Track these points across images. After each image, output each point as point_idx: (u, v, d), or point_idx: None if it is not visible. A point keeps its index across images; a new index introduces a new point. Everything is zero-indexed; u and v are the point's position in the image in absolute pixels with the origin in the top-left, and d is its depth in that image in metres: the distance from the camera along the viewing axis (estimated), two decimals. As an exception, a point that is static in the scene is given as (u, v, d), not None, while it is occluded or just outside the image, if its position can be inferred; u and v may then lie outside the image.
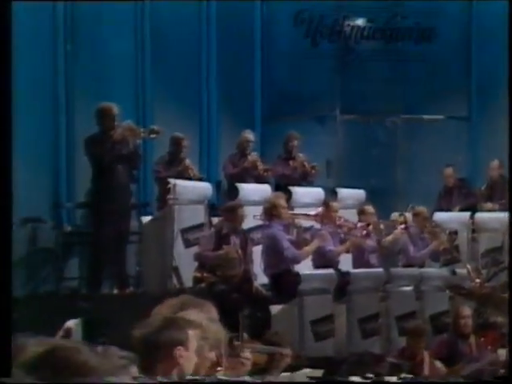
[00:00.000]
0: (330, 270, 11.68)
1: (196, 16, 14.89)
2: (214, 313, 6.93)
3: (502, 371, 10.56)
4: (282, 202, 11.76)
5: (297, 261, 11.66)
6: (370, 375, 8.33)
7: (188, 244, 11.88)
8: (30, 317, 10.15)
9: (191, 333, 5.33)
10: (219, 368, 5.92)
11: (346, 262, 12.41)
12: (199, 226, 11.98)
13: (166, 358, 5.22)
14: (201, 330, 5.46)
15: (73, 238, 13.02)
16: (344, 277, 11.64)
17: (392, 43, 15.50)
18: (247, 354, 7.60)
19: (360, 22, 15.62)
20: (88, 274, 12.14)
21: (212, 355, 5.56)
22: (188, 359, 5.24)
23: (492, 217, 13.78)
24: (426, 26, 15.41)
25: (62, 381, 3.81)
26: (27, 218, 12.60)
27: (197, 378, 4.25)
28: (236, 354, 7.25)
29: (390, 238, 12.65)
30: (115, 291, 11.77)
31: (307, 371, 8.47)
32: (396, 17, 15.52)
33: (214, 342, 5.53)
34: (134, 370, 5.09)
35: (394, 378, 5.43)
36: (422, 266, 12.82)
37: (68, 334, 6.72)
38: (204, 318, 5.75)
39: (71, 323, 6.70)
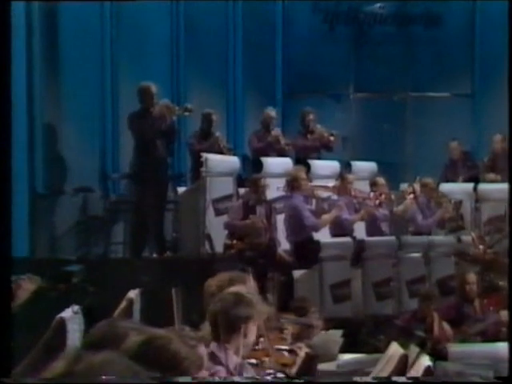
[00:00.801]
0: (347, 238, 11.72)
1: (224, 4, 14.81)
2: (254, 287, 7.02)
3: (504, 330, 10.64)
4: (303, 174, 11.80)
5: (316, 229, 11.70)
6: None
7: (218, 213, 11.95)
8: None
9: (256, 310, 5.46)
10: (262, 339, 6.00)
11: (360, 230, 12.35)
12: (228, 197, 12.09)
13: (236, 331, 5.36)
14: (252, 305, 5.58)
15: (118, 205, 13.07)
16: (359, 244, 11.69)
17: (403, 28, 15.45)
18: (286, 325, 7.33)
19: (373, 8, 15.53)
20: (131, 240, 12.23)
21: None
22: (253, 332, 5.42)
23: (494, 187, 13.73)
24: (434, 13, 15.38)
25: (156, 370, 3.86)
26: (78, 187, 12.84)
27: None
28: (277, 327, 7.07)
29: (400, 207, 12.61)
30: (154, 255, 11.79)
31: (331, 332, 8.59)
32: (406, 4, 15.47)
33: (258, 317, 5.63)
34: (202, 349, 5.18)
35: (402, 378, 4.79)
36: (429, 233, 12.69)
37: (130, 303, 6.72)
38: (252, 295, 5.86)
39: (132, 294, 6.70)
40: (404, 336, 10.07)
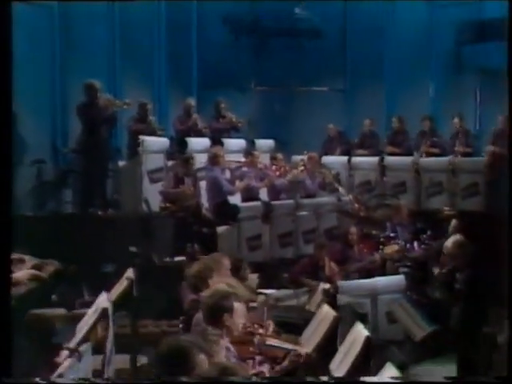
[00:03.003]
0: (258, 202, 11.74)
1: (151, 15, 14.68)
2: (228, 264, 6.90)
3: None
4: (221, 152, 11.83)
5: (232, 194, 11.74)
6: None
7: (152, 181, 11.91)
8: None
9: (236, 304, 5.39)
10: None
11: (264, 195, 12.38)
12: (160, 169, 12.05)
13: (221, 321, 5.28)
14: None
15: (67, 174, 12.87)
16: (267, 206, 11.69)
17: (293, 38, 15.57)
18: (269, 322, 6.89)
19: (269, 23, 15.51)
20: (79, 200, 12.01)
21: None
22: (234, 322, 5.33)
23: (363, 160, 13.92)
24: (316, 27, 15.45)
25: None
26: (34, 160, 12.60)
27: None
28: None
29: (293, 174, 12.62)
30: (99, 212, 11.60)
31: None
32: (296, 20, 15.48)
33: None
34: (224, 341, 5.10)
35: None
36: (315, 195, 12.72)
37: (131, 283, 6.45)
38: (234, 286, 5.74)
39: (130, 273, 6.47)
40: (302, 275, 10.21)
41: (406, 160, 13.34)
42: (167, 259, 10.93)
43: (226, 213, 11.42)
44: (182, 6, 15.00)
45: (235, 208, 11.46)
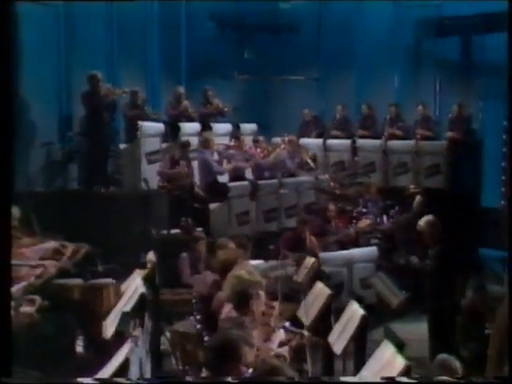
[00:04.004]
0: (246, 182, 11.71)
1: (145, 14, 14.55)
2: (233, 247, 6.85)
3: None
4: (211, 136, 11.84)
5: (221, 174, 11.81)
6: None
7: (150, 162, 11.79)
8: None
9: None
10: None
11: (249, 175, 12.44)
12: (156, 151, 11.92)
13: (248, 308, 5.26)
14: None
15: (72, 154, 12.66)
16: (254, 185, 11.67)
17: (273, 33, 15.47)
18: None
19: (252, 19, 15.40)
20: (84, 178, 11.92)
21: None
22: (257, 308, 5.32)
23: (336, 142, 13.91)
24: (294, 23, 15.35)
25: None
26: (44, 142, 12.49)
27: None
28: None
29: (274, 154, 12.60)
30: (102, 190, 11.53)
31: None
32: (276, 16, 15.38)
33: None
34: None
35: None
36: (295, 174, 12.71)
37: (154, 266, 6.39)
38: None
39: (151, 255, 6.40)
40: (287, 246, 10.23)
41: (375, 142, 13.41)
42: (164, 232, 10.89)
43: (216, 191, 11.45)
44: (172, 5, 14.87)
45: (225, 186, 11.46)
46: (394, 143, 13.30)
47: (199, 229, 10.62)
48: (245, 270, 5.84)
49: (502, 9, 13.52)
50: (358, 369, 4.99)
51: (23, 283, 6.06)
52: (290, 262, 9.40)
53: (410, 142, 13.13)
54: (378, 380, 4.18)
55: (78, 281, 8.41)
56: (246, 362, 4.28)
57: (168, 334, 7.01)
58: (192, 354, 6.61)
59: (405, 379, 4.03)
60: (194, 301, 6.83)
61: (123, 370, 3.81)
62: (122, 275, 8.22)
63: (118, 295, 7.50)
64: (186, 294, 8.37)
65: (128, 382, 3.82)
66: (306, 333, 5.89)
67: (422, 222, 8.07)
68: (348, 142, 13.68)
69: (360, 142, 13.60)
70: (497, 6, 13.47)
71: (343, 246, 10.61)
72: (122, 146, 12.35)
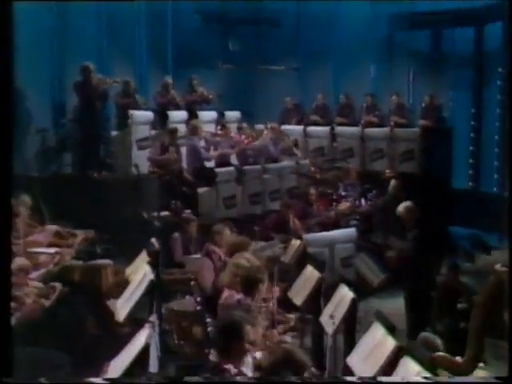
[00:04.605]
0: (232, 168, 11.62)
1: (133, 8, 14.38)
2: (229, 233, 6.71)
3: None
4: (199, 124, 11.75)
5: (208, 160, 11.73)
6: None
7: (140, 148, 11.69)
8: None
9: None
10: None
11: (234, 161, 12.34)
12: (146, 138, 11.81)
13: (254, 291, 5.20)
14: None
15: (65, 140, 12.44)
16: (240, 171, 11.63)
17: (255, 26, 15.41)
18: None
19: (234, 13, 15.28)
20: (77, 162, 11.81)
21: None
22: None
23: (316, 129, 13.86)
24: (275, 17, 15.29)
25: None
26: (39, 128, 12.36)
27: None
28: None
29: (262, 138, 12.51)
30: (95, 174, 11.42)
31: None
32: (258, 10, 15.28)
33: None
34: None
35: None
36: (277, 160, 12.59)
37: (154, 247, 6.28)
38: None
39: (154, 242, 6.29)
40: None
41: (353, 129, 13.42)
42: (154, 214, 10.79)
43: (203, 176, 11.36)
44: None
45: (212, 171, 11.38)
46: (371, 130, 13.31)
47: (188, 211, 10.56)
48: (243, 257, 5.77)
49: (470, 5, 13.67)
50: (349, 348, 4.97)
51: (42, 270, 5.97)
52: (277, 243, 9.35)
53: (386, 129, 13.15)
54: (379, 378, 4.17)
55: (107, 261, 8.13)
56: (250, 340, 4.30)
57: (163, 311, 6.95)
58: (188, 330, 6.56)
59: (406, 379, 3.98)
60: (192, 283, 6.74)
61: (144, 355, 3.75)
62: (118, 256, 8.14)
63: (118, 275, 7.43)
64: (178, 274, 8.28)
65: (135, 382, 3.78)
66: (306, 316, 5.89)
67: (401, 207, 8.09)
68: (327, 128, 13.65)
69: (338, 129, 13.58)
70: (465, 3, 13.59)
71: (324, 227, 10.58)
72: (114, 133, 12.23)
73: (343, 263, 10.03)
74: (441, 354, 4.82)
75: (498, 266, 4.52)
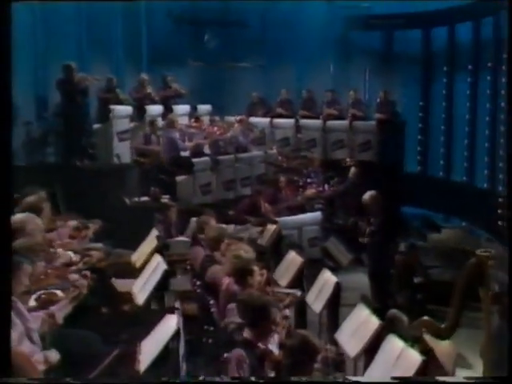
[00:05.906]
0: (207, 158, 11.71)
1: (110, 10, 14.25)
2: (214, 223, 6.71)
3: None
4: (175, 118, 11.82)
5: (185, 151, 11.75)
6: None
7: (120, 140, 11.79)
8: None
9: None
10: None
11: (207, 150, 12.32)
12: (126, 131, 11.91)
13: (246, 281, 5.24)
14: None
15: (50, 132, 12.40)
16: (214, 161, 11.70)
17: (223, 28, 15.36)
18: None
19: (205, 15, 15.30)
20: (61, 152, 11.76)
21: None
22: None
23: (282, 120, 13.96)
24: (243, 19, 15.30)
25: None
26: (25, 121, 12.22)
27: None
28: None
29: (234, 130, 12.59)
30: (78, 163, 11.40)
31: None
32: (226, 13, 15.27)
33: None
34: None
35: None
36: (247, 149, 12.67)
37: (158, 240, 6.26)
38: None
39: (154, 231, 6.25)
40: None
41: (316, 122, 13.57)
42: (135, 199, 10.85)
43: (180, 165, 11.42)
44: (134, 3, 14.63)
45: (189, 161, 11.44)
46: (332, 123, 13.49)
47: (166, 196, 10.65)
48: (242, 250, 5.83)
49: (420, 9, 13.94)
50: (333, 325, 5.15)
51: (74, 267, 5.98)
52: (251, 227, 9.49)
53: (345, 122, 13.37)
54: (383, 380, 4.21)
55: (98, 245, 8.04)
56: (275, 321, 4.40)
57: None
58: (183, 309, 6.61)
59: (409, 379, 4.06)
60: (188, 267, 6.81)
61: (176, 339, 3.86)
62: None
63: (108, 257, 7.43)
64: (175, 256, 8.31)
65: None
66: (298, 293, 5.98)
67: (367, 195, 8.27)
68: (292, 121, 13.78)
69: (302, 121, 13.71)
70: (415, 7, 13.86)
71: (292, 211, 10.75)
72: (96, 125, 12.22)
73: (310, 243, 10.28)
74: (427, 318, 5.03)
75: (478, 251, 4.77)
